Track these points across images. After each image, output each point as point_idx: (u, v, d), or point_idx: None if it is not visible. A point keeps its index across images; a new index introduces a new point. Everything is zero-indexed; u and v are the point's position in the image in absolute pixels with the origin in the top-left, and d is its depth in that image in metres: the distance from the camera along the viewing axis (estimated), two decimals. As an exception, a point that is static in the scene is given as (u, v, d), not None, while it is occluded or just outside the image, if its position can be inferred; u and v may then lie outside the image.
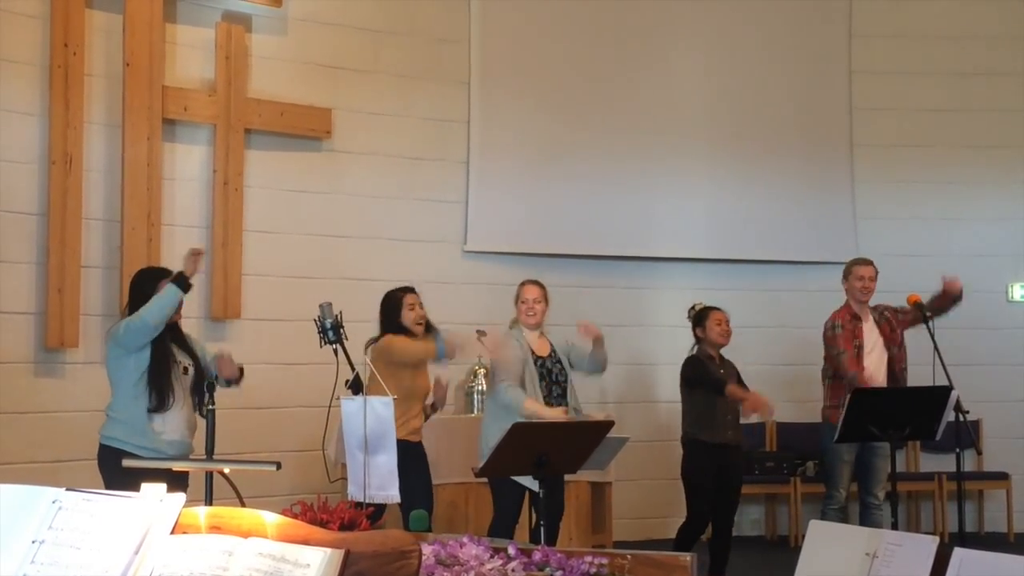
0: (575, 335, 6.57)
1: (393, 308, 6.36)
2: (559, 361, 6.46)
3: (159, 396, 5.49)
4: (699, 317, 7.11)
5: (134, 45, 7.43)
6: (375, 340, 6.27)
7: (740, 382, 7.06)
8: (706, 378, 6.91)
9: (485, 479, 6.20)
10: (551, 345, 6.50)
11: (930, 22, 9.84)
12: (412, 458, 6.08)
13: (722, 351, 7.13)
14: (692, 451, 6.99)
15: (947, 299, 7.02)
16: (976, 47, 9.84)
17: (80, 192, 7.22)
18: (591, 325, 6.51)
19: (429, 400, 6.42)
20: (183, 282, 5.51)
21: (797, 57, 9.74)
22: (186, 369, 5.65)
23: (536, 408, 6.16)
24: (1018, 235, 9.76)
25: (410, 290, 6.42)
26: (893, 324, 7.13)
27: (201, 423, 5.46)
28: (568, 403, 6.41)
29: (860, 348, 7.02)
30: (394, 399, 4.46)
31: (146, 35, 7.46)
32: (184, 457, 5.49)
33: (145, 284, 5.67)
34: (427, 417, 6.46)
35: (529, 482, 5.98)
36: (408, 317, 6.31)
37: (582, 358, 6.59)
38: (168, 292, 5.48)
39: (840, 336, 7.05)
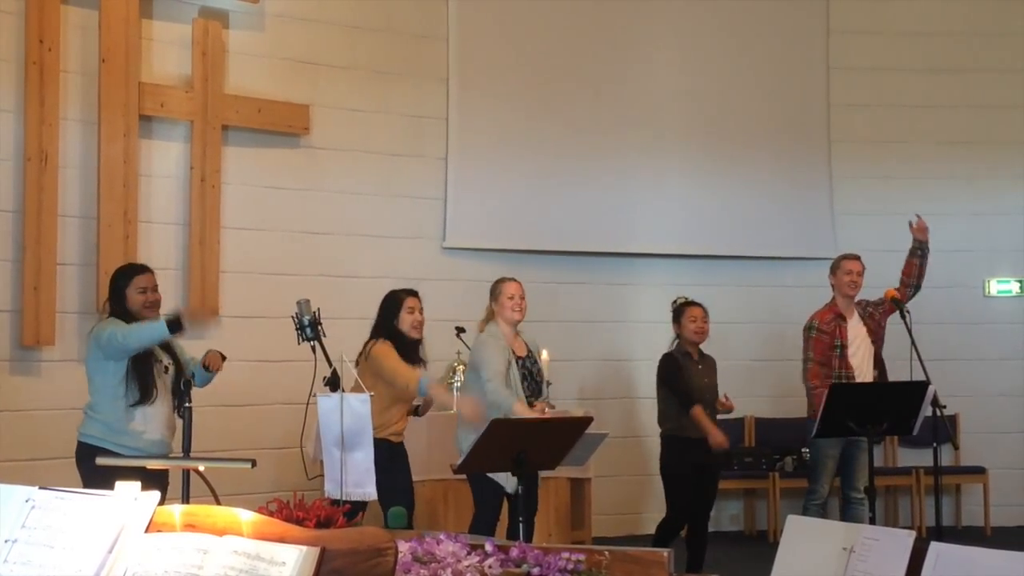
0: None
1: (392, 308, 6.23)
2: (535, 360, 6.46)
3: (143, 390, 5.50)
4: (676, 313, 7.10)
5: (110, 41, 7.39)
6: (369, 343, 6.18)
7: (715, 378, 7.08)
8: (677, 388, 6.93)
9: (464, 476, 6.18)
10: (526, 344, 6.48)
11: (907, 18, 9.88)
12: (394, 457, 6.05)
13: (704, 346, 7.13)
14: (670, 447, 6.99)
15: (917, 252, 7.11)
16: (953, 43, 9.88)
17: (56, 189, 7.18)
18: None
19: (416, 402, 6.34)
20: (176, 327, 5.45)
21: (775, 53, 9.76)
22: (167, 368, 5.66)
23: (523, 412, 6.12)
24: (995, 231, 9.81)
25: (412, 293, 6.30)
26: (876, 317, 7.17)
27: (178, 421, 5.46)
28: (544, 399, 6.41)
29: (843, 348, 7.04)
30: (371, 396, 4.44)
31: (122, 31, 7.42)
32: (162, 456, 5.48)
33: (120, 280, 5.70)
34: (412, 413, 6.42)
35: (504, 480, 5.97)
36: (406, 320, 6.20)
37: None
38: (156, 329, 5.46)
39: (813, 340, 7.10)
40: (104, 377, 5.54)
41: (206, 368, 5.76)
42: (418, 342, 6.27)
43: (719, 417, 7.10)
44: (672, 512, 7.02)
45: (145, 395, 5.51)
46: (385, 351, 6.06)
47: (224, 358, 5.79)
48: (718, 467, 7.15)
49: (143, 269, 5.79)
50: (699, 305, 7.06)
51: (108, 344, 5.49)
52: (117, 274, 5.81)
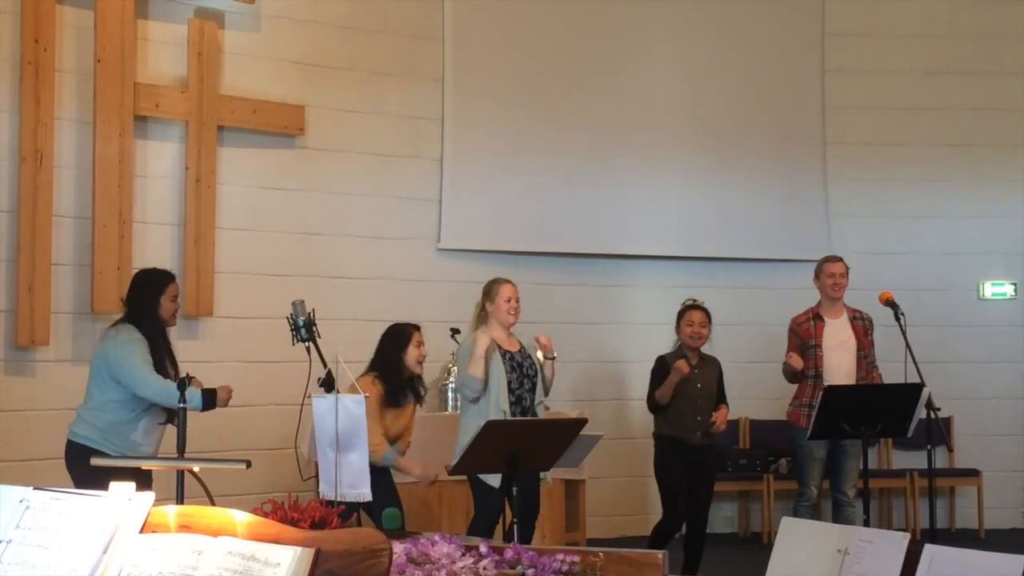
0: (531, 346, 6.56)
1: (400, 342, 6.27)
2: (529, 356, 6.44)
3: (168, 411, 5.50)
4: (678, 316, 7.12)
5: (105, 41, 7.38)
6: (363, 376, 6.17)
7: (720, 382, 7.08)
8: (649, 390, 7.02)
9: (462, 477, 6.18)
10: (520, 343, 6.48)
11: (902, 21, 9.89)
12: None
13: (710, 349, 7.15)
14: (663, 448, 7.01)
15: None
16: (948, 46, 9.89)
17: (51, 189, 7.16)
18: (549, 344, 6.44)
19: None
20: (210, 401, 5.48)
21: (770, 56, 9.76)
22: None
23: (477, 349, 6.17)
24: (989, 233, 9.82)
25: (418, 328, 6.39)
26: (867, 330, 7.20)
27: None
28: (537, 398, 6.40)
29: (817, 347, 7.10)
30: (367, 397, 4.44)
31: (117, 31, 7.42)
32: (155, 457, 5.48)
33: (154, 288, 5.63)
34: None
35: (492, 480, 5.97)
36: (413, 355, 6.26)
37: None
38: (192, 397, 5.35)
39: (789, 339, 7.28)
40: (113, 386, 5.51)
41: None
42: (419, 377, 6.31)
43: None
44: (667, 515, 7.02)
45: (172, 415, 5.45)
46: (369, 402, 5.99)
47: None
48: (712, 467, 7.15)
49: (173, 277, 5.76)
50: (700, 310, 7.07)
51: (124, 376, 5.47)
52: (149, 280, 5.72)
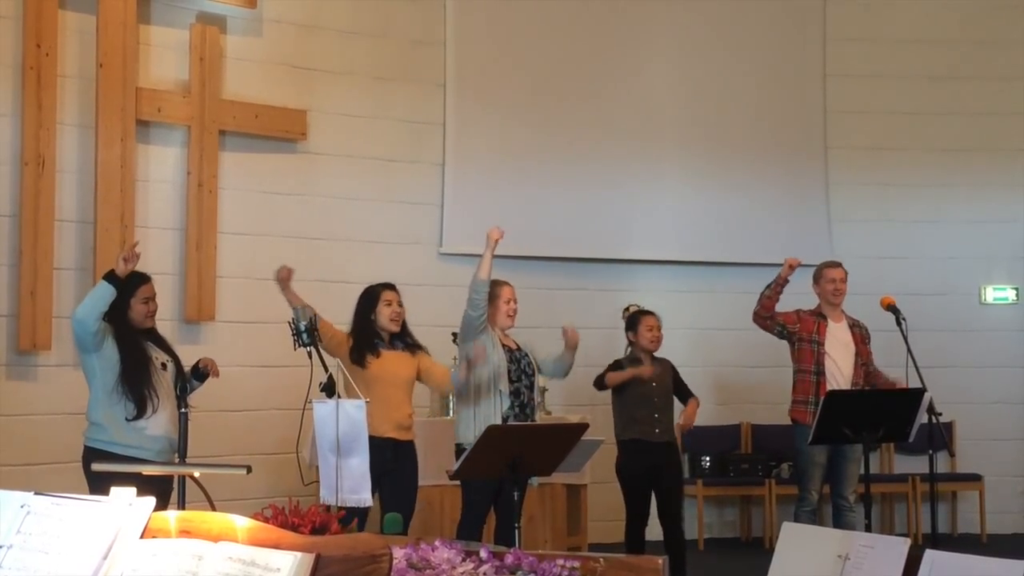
0: (539, 343, 6.54)
1: (368, 304, 6.23)
2: (527, 355, 6.45)
3: (139, 404, 5.44)
4: (631, 321, 7.14)
5: (107, 46, 7.39)
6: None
7: (677, 379, 7.12)
8: (603, 373, 7.05)
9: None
10: (516, 343, 6.49)
11: (903, 26, 9.90)
12: (400, 458, 6.04)
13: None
14: (624, 450, 7.04)
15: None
16: (949, 51, 9.90)
17: (53, 193, 7.17)
18: (575, 333, 6.49)
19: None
20: (113, 277, 5.40)
21: (771, 60, 9.77)
22: (164, 365, 5.61)
23: (485, 261, 6.28)
24: (991, 238, 9.82)
25: (389, 286, 6.31)
26: (866, 338, 7.19)
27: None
28: (536, 396, 6.41)
29: (820, 345, 7.07)
30: (367, 402, 4.45)
31: (119, 36, 7.42)
32: (168, 453, 5.48)
33: (123, 290, 5.61)
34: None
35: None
36: (384, 313, 6.19)
37: (546, 359, 6.60)
38: (100, 289, 5.41)
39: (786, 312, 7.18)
40: (96, 379, 5.50)
41: (203, 371, 5.73)
42: (400, 335, 6.24)
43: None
44: (629, 514, 7.03)
45: (141, 411, 5.43)
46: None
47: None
48: (676, 466, 7.15)
49: (146, 278, 5.72)
50: (653, 314, 7.14)
51: (76, 335, 5.46)
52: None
